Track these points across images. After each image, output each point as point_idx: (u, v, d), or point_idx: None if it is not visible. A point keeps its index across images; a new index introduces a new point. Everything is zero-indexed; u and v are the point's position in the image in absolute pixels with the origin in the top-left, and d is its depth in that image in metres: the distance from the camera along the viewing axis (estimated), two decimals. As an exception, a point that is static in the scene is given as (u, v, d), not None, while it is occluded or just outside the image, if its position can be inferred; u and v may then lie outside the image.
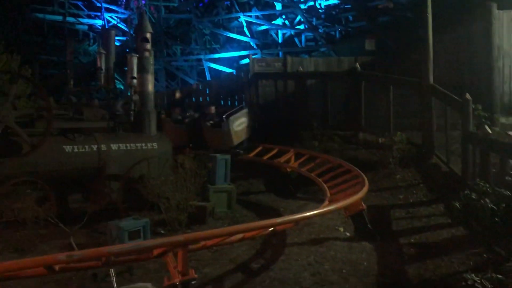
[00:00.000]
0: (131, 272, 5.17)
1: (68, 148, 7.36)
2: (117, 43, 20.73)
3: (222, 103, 13.06)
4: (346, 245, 6.23)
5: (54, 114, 7.28)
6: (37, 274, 3.99)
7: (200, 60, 22.99)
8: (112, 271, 4.44)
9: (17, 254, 6.08)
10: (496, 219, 3.95)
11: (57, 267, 3.76)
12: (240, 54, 22.19)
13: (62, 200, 7.27)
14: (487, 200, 4.13)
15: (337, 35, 21.10)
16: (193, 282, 3.89)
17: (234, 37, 22.87)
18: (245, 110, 11.62)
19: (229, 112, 11.31)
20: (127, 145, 7.91)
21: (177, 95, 14.19)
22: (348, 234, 6.64)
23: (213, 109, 12.12)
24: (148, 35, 8.29)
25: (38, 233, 6.48)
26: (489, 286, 2.63)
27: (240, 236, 4.80)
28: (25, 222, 6.46)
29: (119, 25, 24.60)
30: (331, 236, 6.56)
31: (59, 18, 25.94)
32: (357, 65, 11.90)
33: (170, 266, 3.92)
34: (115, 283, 4.39)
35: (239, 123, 11.25)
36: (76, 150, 7.40)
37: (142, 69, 8.19)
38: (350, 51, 15.96)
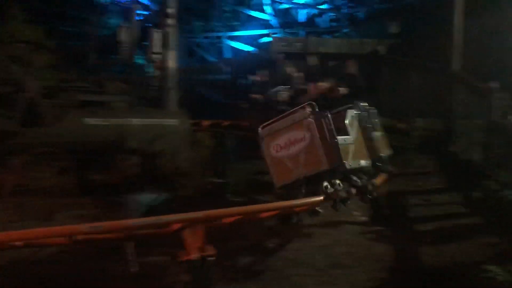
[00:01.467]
0: (147, 245, 5.24)
1: (88, 121, 7.44)
2: (139, 17, 20.63)
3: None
4: (360, 229, 6.25)
5: (76, 86, 7.35)
6: (57, 243, 4.09)
7: (220, 37, 22.82)
8: (130, 244, 4.51)
9: (36, 222, 6.20)
10: (517, 211, 3.90)
11: (78, 238, 3.83)
12: (261, 33, 21.94)
13: (82, 172, 7.38)
14: (507, 192, 4.07)
15: (361, 16, 20.68)
16: (210, 259, 3.94)
17: (255, 15, 22.60)
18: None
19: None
20: (147, 120, 7.96)
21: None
22: (363, 218, 6.64)
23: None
24: (172, 10, 8.24)
25: (58, 203, 6.60)
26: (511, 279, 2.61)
27: (259, 215, 4.81)
28: (45, 192, 6.59)
29: (141, -1, 24.46)
30: (346, 220, 6.56)
31: (81, -11, 25.88)
32: (380, 48, 11.69)
33: (188, 241, 3.97)
34: (132, 256, 4.46)
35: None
36: (96, 123, 7.48)
37: (164, 44, 8.18)
38: (373, 33, 15.65)
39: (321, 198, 5.14)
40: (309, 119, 5.22)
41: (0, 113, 6.94)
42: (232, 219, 4.50)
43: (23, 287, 4.37)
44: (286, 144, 5.35)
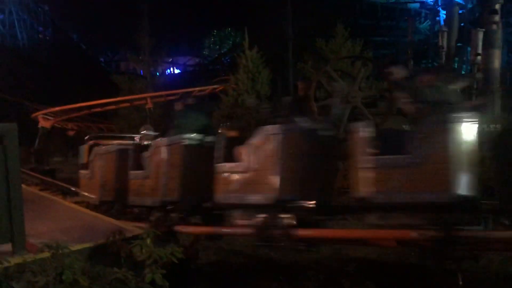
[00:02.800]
0: (477, 259, 4.92)
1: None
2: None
3: None
4: None
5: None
6: (385, 245, 4.36)
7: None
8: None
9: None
10: None
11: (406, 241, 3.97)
12: None
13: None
14: None
15: None
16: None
17: None
18: None
19: None
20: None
21: None
22: None
23: None
24: (497, 6, 7.53)
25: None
26: None
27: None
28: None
29: (454, -2, 23.36)
30: None
31: (391, -1, 26.77)
32: None
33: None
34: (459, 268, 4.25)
35: None
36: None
37: (488, 44, 7.56)
38: None
39: None
40: None
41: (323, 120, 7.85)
42: None
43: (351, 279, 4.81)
44: None
